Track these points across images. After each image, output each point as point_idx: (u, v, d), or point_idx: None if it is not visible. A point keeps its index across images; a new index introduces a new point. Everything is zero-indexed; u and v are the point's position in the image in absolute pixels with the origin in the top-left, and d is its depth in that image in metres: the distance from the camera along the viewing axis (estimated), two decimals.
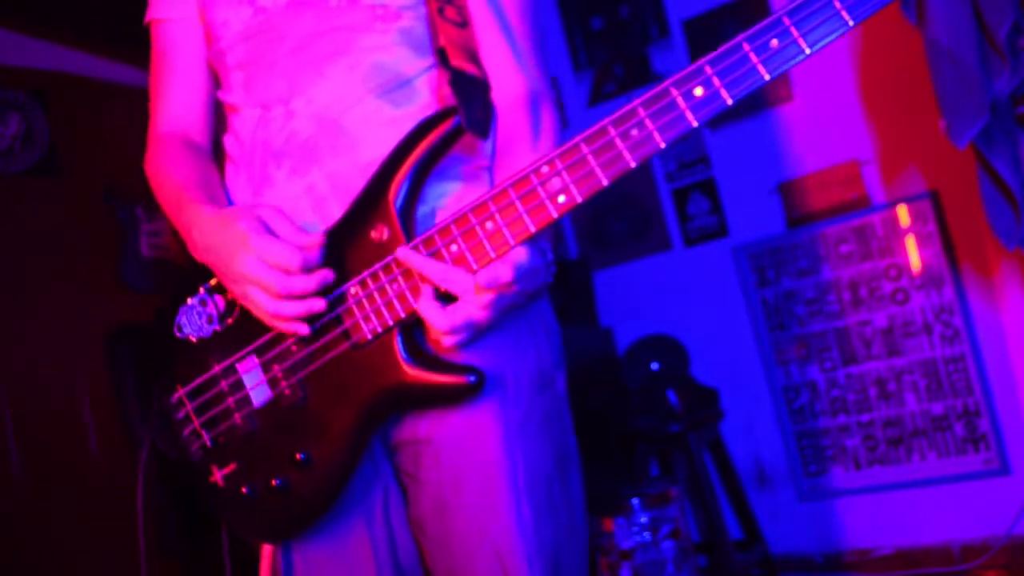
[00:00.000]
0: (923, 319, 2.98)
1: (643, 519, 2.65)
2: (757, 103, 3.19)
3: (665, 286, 3.45)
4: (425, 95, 1.20)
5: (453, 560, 1.20)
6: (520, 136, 1.21)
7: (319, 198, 1.18)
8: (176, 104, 1.35)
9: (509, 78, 1.23)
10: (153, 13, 1.36)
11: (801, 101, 3.14)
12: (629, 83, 3.43)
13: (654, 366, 3.25)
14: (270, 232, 1.10)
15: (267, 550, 1.33)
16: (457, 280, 1.04)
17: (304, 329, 1.12)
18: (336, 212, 1.16)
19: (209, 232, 1.15)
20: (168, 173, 1.28)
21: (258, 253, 1.08)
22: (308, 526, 1.21)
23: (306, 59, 1.20)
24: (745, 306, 3.28)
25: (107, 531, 2.80)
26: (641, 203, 3.48)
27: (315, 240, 1.10)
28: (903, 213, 3.00)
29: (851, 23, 0.91)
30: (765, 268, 3.23)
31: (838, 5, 0.90)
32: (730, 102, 0.95)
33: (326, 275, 1.10)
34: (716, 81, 0.95)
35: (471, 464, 1.18)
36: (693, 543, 2.80)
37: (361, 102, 1.18)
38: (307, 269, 1.08)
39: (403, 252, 1.07)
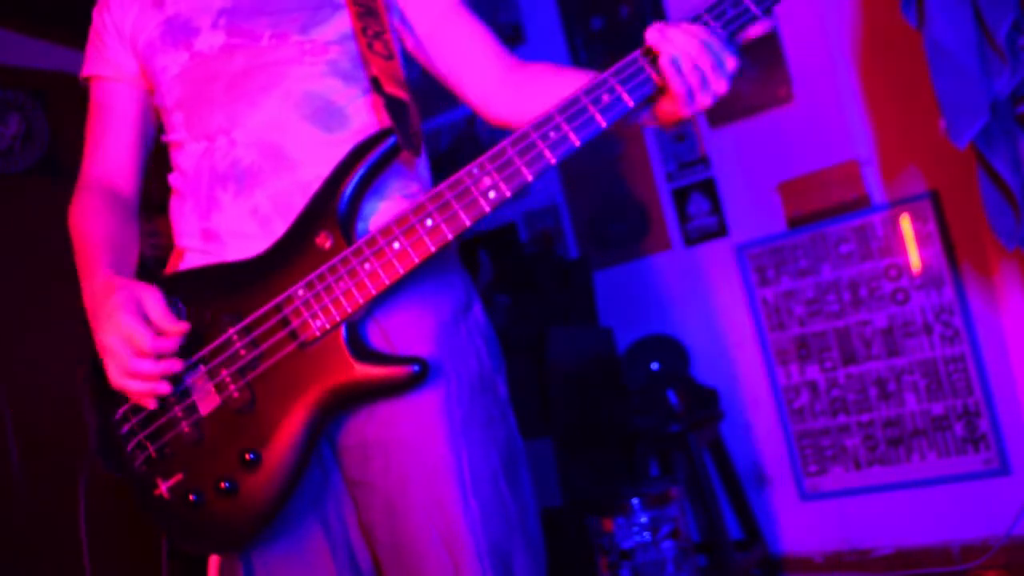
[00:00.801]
0: (923, 319, 2.98)
1: (643, 519, 2.65)
2: (757, 103, 3.19)
3: (665, 286, 3.45)
4: (356, 121, 1.30)
5: (404, 562, 1.22)
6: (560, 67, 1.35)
7: (264, 217, 1.25)
8: (106, 157, 1.43)
9: (505, 54, 1.39)
10: (87, 70, 1.46)
11: (801, 101, 3.14)
12: None
13: (654, 366, 3.25)
14: (141, 312, 1.17)
15: (214, 562, 1.35)
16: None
17: (149, 403, 1.20)
18: (280, 228, 1.24)
19: (91, 295, 1.25)
20: (84, 225, 1.36)
21: (121, 327, 1.16)
22: (256, 533, 1.21)
23: (241, 93, 1.28)
24: (745, 306, 3.28)
25: (107, 531, 2.80)
26: (641, 203, 3.48)
27: (174, 331, 1.17)
28: (905, 223, 3.00)
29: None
30: (765, 268, 3.23)
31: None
32: (632, 105, 1.15)
33: (173, 365, 1.18)
34: (619, 88, 1.15)
35: (417, 463, 1.22)
36: (693, 543, 2.80)
37: (296, 127, 1.27)
38: (158, 355, 1.17)
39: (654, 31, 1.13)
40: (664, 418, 3.02)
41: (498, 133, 3.78)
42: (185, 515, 1.22)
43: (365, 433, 1.23)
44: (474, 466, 1.23)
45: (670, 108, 1.17)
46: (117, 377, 1.19)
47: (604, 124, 1.15)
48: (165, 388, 1.19)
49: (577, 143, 1.15)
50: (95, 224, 1.36)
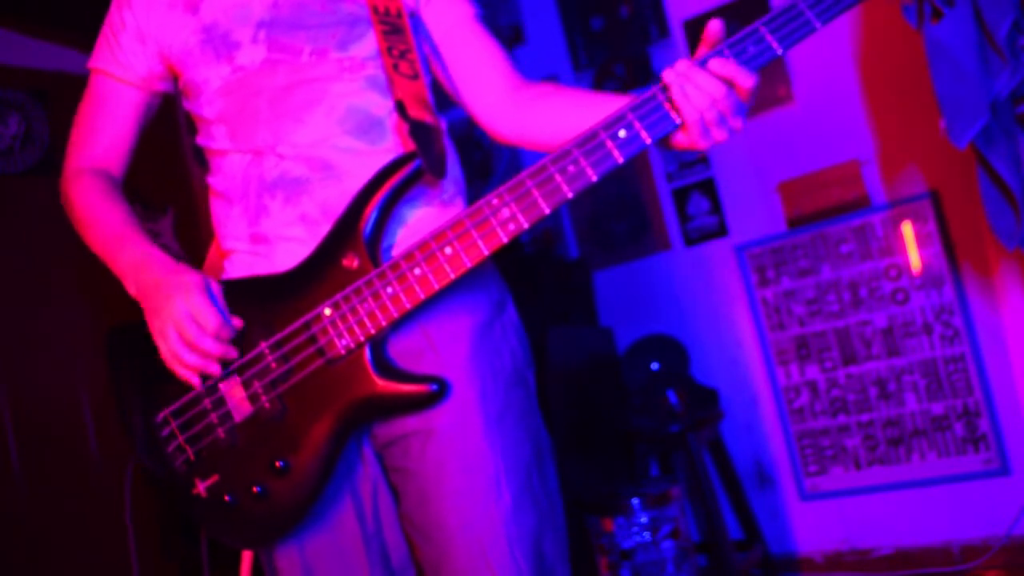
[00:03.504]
0: (923, 319, 2.98)
1: (643, 519, 2.65)
2: (757, 103, 3.19)
3: (665, 286, 3.45)
4: (396, 135, 1.35)
5: (434, 548, 1.27)
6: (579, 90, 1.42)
7: (312, 222, 1.31)
8: (102, 147, 1.46)
9: (514, 73, 1.42)
10: (95, 62, 1.47)
11: (801, 101, 3.14)
12: (629, 83, 3.43)
13: (654, 366, 3.25)
14: (210, 295, 1.26)
15: (247, 556, 1.44)
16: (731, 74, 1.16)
17: (195, 380, 1.27)
18: (327, 232, 1.29)
19: (156, 271, 1.29)
20: (103, 207, 1.40)
21: (193, 304, 1.23)
22: (286, 533, 1.31)
23: (285, 109, 1.32)
24: (745, 306, 3.28)
25: (107, 531, 2.80)
26: (641, 203, 3.48)
27: (234, 323, 1.26)
28: (907, 229, 3.00)
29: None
30: (765, 268, 3.23)
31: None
32: (649, 141, 1.17)
33: (230, 351, 1.26)
34: (637, 124, 1.17)
35: (454, 453, 1.27)
36: (693, 543, 2.80)
37: (341, 141, 1.32)
38: (219, 338, 1.25)
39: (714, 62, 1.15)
40: (664, 418, 3.02)
41: None
42: (220, 513, 1.30)
43: (406, 425, 1.29)
44: (507, 458, 1.28)
45: (685, 141, 1.21)
46: (177, 347, 1.24)
47: (621, 160, 1.18)
48: (216, 369, 1.26)
49: (594, 178, 1.18)
50: (115, 207, 1.40)
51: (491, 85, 1.40)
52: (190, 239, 3.57)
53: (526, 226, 1.19)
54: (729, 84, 1.15)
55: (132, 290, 1.32)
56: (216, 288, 1.27)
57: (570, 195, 1.18)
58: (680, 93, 1.15)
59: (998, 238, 2.16)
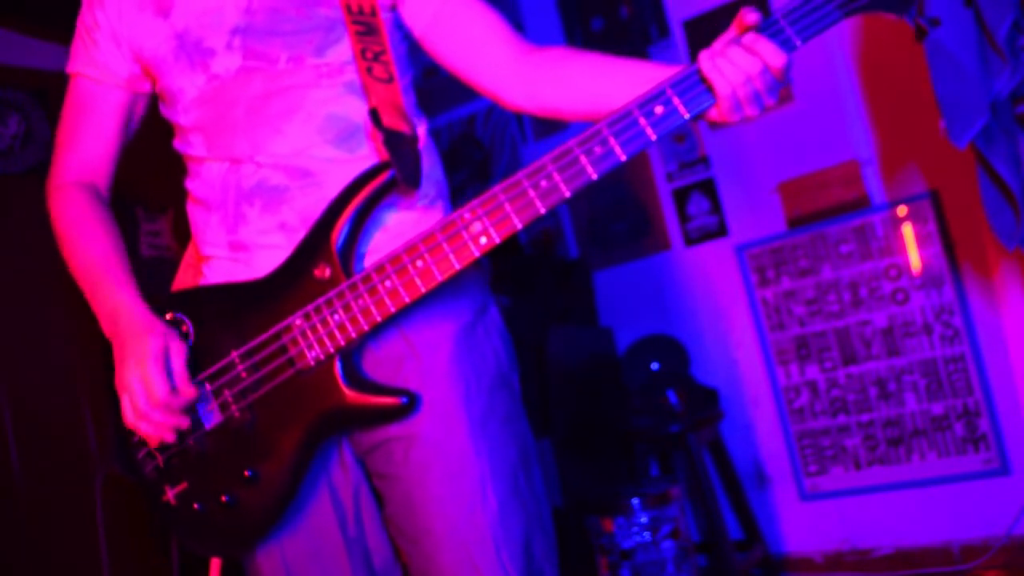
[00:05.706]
0: (923, 319, 2.98)
1: (643, 519, 2.65)
2: None
3: (665, 286, 3.45)
4: (374, 142, 1.31)
5: (421, 553, 1.26)
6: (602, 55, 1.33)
7: (292, 230, 1.29)
8: (86, 156, 1.42)
9: (517, 39, 1.35)
10: (73, 66, 1.43)
11: (801, 101, 3.14)
12: None
13: (654, 366, 3.25)
14: (166, 363, 1.23)
15: (216, 563, 1.44)
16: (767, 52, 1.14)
17: (152, 443, 1.26)
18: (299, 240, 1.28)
19: (123, 326, 1.28)
20: (84, 235, 1.37)
21: (145, 373, 1.22)
22: (257, 540, 1.30)
23: (263, 118, 1.29)
24: (745, 306, 3.28)
25: (107, 531, 2.80)
26: (641, 203, 3.48)
27: (188, 392, 1.24)
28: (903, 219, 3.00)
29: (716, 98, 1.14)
30: (765, 268, 3.23)
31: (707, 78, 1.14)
32: (624, 158, 1.14)
33: (182, 421, 1.24)
34: (612, 140, 1.14)
35: (439, 457, 1.25)
36: (693, 543, 2.80)
37: (320, 150, 1.29)
38: (168, 409, 1.23)
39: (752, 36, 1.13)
40: (664, 418, 3.02)
41: (496, 134, 3.78)
42: (190, 521, 1.29)
43: (388, 431, 1.27)
44: (493, 461, 1.26)
45: (717, 116, 1.17)
46: (130, 416, 1.24)
47: (624, 157, 1.15)
48: (170, 437, 1.25)
49: (567, 193, 1.15)
50: (96, 232, 1.38)
51: (493, 55, 1.32)
52: (190, 239, 3.57)
53: (498, 241, 1.17)
54: (763, 61, 1.13)
55: (105, 332, 1.32)
56: (178, 356, 1.25)
57: (543, 210, 1.16)
58: (713, 69, 1.12)
59: (998, 238, 2.16)
